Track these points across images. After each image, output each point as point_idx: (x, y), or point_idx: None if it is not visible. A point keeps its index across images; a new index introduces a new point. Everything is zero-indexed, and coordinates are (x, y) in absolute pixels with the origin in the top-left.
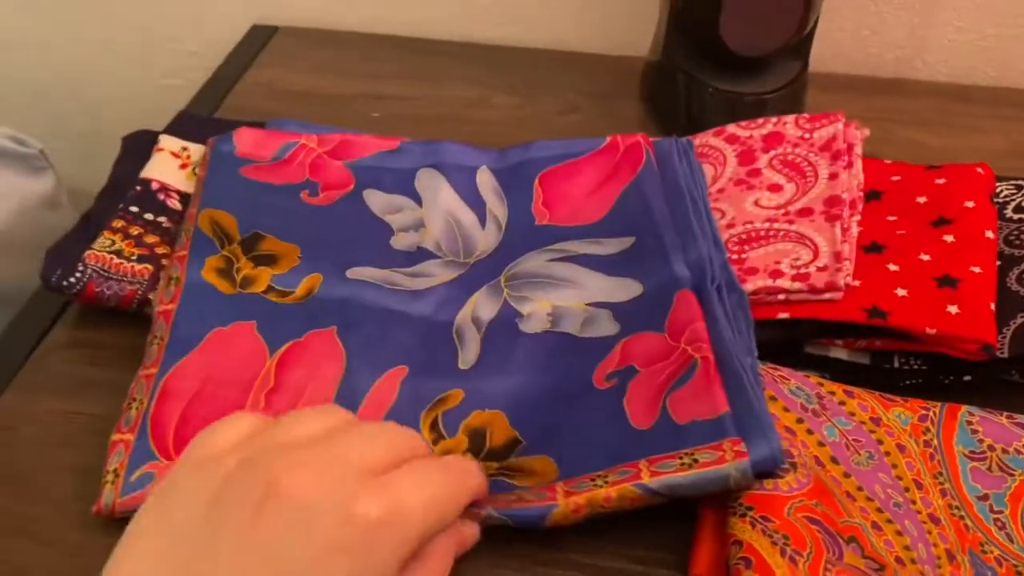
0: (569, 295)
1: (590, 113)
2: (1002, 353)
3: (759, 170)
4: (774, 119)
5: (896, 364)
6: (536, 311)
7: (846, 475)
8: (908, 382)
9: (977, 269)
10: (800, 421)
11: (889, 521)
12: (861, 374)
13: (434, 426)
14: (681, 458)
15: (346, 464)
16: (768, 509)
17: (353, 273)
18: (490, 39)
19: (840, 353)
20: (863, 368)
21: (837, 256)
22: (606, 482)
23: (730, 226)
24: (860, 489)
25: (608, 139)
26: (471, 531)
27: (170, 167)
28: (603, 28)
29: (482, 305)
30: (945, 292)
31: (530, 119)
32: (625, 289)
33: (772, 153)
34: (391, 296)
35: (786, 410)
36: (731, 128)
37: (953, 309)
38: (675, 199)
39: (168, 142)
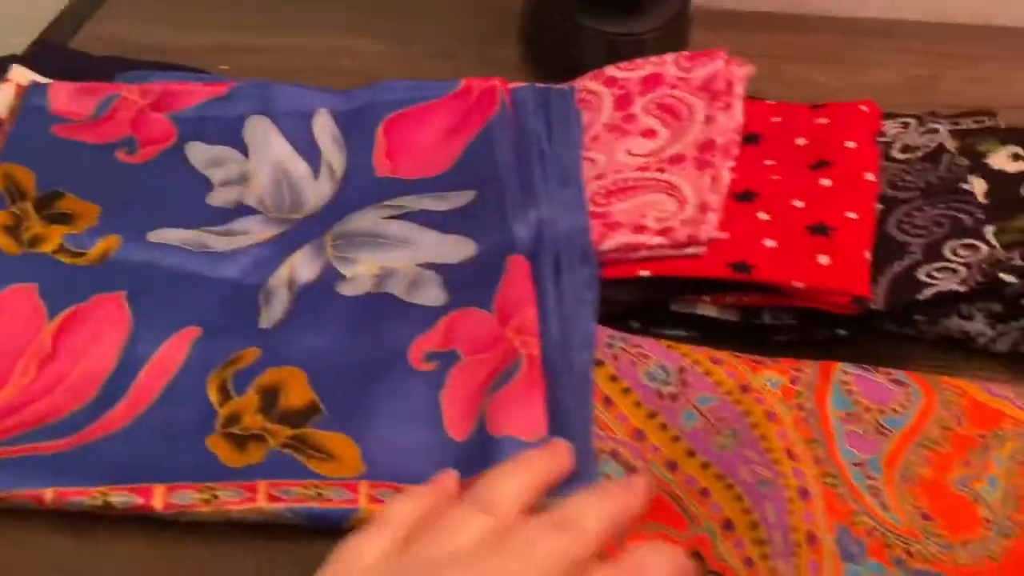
0: (401, 256)
1: (465, 59)
2: (876, 305)
3: (634, 115)
4: (654, 59)
5: (767, 320)
6: (361, 273)
7: (705, 465)
8: (780, 338)
9: (853, 215)
10: (653, 416)
11: (747, 511)
12: (731, 332)
13: (223, 387)
14: None
15: None
16: None
17: (155, 236)
18: None
19: (708, 310)
20: (733, 325)
21: (703, 207)
22: None
23: (599, 177)
24: (720, 478)
25: (462, 83)
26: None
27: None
28: None
29: (301, 267)
30: (817, 241)
31: (399, 68)
32: (458, 248)
33: (649, 96)
34: (194, 260)
35: (638, 405)
36: (610, 70)
37: (824, 260)
38: (526, 154)
39: (19, 73)
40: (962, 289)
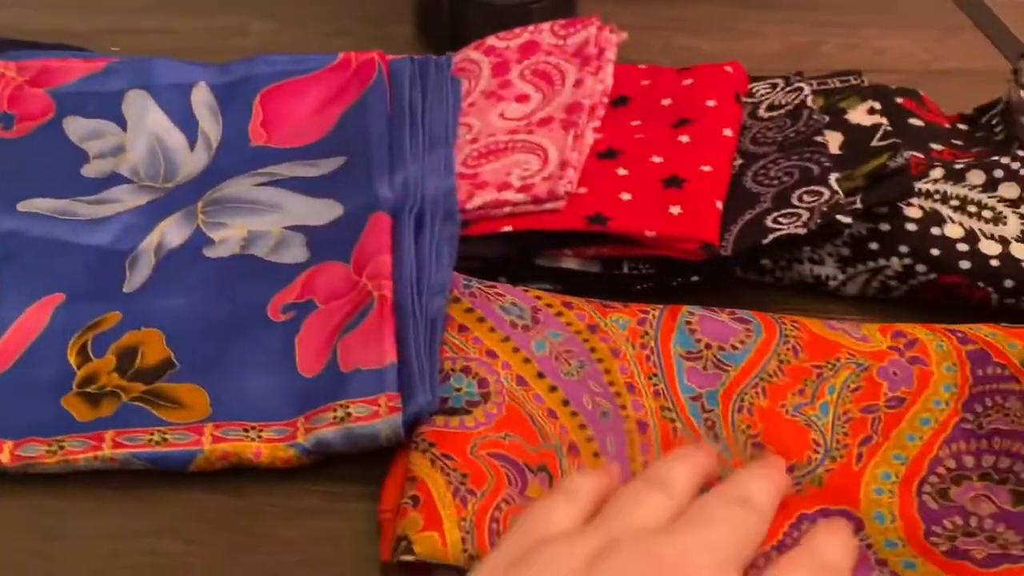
0: (269, 220)
1: (359, 37)
2: (725, 251)
3: (510, 81)
4: (531, 28)
5: (626, 270)
6: (230, 237)
7: (552, 389)
8: (639, 287)
9: (707, 168)
10: (506, 340)
11: (589, 440)
12: (593, 283)
13: (82, 350)
14: (335, 410)
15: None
16: (450, 447)
17: (25, 206)
18: None
19: (571, 263)
20: (595, 276)
21: (563, 164)
22: (260, 436)
23: (474, 141)
24: (566, 404)
25: (340, 56)
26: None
27: None
28: None
29: (170, 232)
30: (670, 193)
31: (294, 46)
32: (325, 211)
33: (525, 63)
34: (63, 227)
35: (492, 330)
36: (490, 40)
37: (675, 210)
38: (399, 122)
39: None
40: (802, 232)
